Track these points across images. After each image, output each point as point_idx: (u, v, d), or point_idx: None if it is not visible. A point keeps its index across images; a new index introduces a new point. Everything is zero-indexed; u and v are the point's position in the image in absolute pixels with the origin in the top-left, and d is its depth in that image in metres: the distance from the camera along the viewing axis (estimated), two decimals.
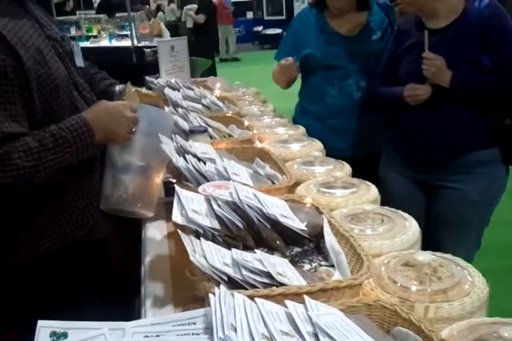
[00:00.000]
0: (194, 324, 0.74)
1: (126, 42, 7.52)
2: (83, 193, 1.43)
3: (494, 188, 1.97)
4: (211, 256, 0.92)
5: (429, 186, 2.03)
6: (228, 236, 1.05)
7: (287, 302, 0.77)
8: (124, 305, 1.50)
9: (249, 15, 15.53)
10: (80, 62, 1.54)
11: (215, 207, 1.06)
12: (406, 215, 1.24)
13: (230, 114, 2.07)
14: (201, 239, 0.99)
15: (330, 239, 1.06)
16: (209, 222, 1.04)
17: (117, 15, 8.59)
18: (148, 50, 5.83)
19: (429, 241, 1.44)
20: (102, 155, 1.48)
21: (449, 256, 1.05)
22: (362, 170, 1.60)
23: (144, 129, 1.43)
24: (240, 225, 1.05)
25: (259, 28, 14.78)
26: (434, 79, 1.83)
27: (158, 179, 1.48)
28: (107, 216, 1.49)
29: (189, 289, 1.10)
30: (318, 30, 2.32)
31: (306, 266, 1.04)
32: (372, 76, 2.20)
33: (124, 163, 1.41)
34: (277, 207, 1.09)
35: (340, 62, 2.27)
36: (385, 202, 1.42)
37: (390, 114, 2.10)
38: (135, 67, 5.77)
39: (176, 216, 1.04)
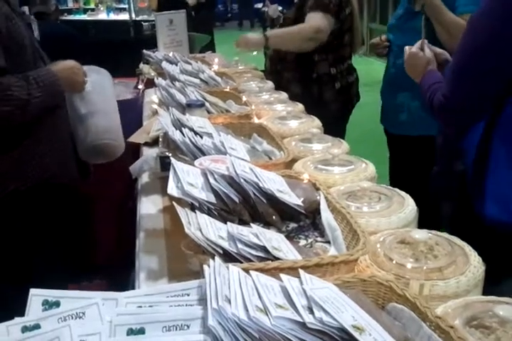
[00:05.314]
0: (188, 295, 0.74)
1: (124, 16, 7.43)
2: (47, 139, 1.65)
3: None
4: (206, 229, 0.91)
5: None
6: (224, 210, 1.04)
7: (282, 275, 0.76)
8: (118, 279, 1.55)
9: None
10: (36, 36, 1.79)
11: (211, 180, 1.05)
12: (403, 193, 1.23)
13: (227, 90, 2.04)
14: (197, 212, 0.98)
15: (326, 215, 1.05)
16: (205, 196, 1.03)
17: None
18: (146, 23, 5.76)
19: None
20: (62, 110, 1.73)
21: (445, 234, 1.04)
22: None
23: (90, 79, 1.81)
24: (236, 199, 1.03)
25: (259, 5, 14.53)
26: None
27: (117, 114, 1.90)
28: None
29: (184, 263, 1.10)
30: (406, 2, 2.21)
31: (302, 242, 1.04)
32: None
33: (87, 108, 1.76)
34: (274, 182, 1.08)
35: (390, 35, 2.29)
36: None
37: None
38: (133, 41, 5.72)
39: (172, 188, 1.03)
